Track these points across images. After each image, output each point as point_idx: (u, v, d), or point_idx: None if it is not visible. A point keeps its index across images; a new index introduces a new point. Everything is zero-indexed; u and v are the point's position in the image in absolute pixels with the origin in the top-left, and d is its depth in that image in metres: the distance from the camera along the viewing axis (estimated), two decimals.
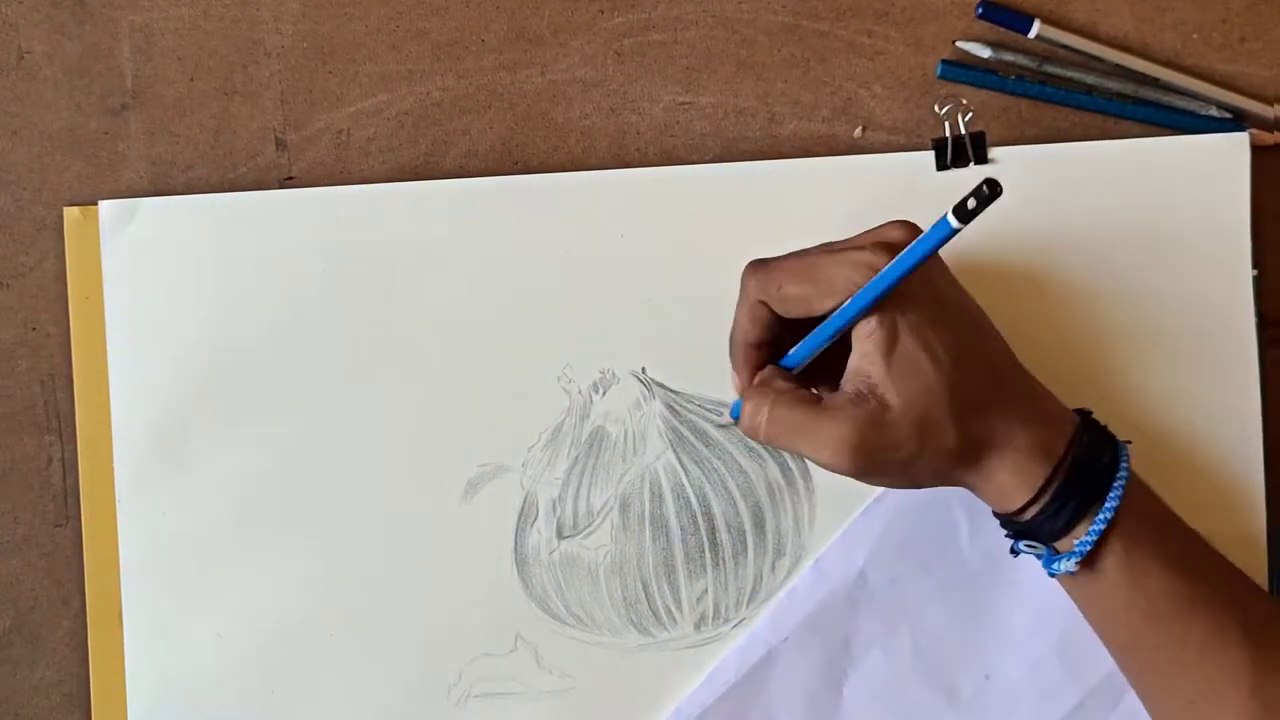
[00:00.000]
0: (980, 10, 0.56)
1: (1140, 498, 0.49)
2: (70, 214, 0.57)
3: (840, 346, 0.48)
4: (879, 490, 0.55)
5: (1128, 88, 0.57)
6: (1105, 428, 0.49)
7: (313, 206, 0.56)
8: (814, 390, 0.49)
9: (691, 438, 0.56)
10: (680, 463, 0.56)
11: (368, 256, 0.56)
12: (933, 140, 0.56)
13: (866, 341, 0.47)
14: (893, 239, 0.48)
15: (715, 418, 0.56)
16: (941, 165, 0.56)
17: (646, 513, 0.56)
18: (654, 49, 0.57)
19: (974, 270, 0.56)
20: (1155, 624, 0.48)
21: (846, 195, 0.56)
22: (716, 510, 0.56)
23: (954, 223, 0.44)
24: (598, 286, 0.56)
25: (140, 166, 0.57)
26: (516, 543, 0.56)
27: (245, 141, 0.57)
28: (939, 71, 0.57)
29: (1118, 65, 0.56)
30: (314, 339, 0.56)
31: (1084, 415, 0.49)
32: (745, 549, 0.56)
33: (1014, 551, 0.49)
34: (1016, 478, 0.47)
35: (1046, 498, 0.47)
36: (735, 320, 0.51)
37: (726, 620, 0.56)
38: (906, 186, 0.56)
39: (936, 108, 0.57)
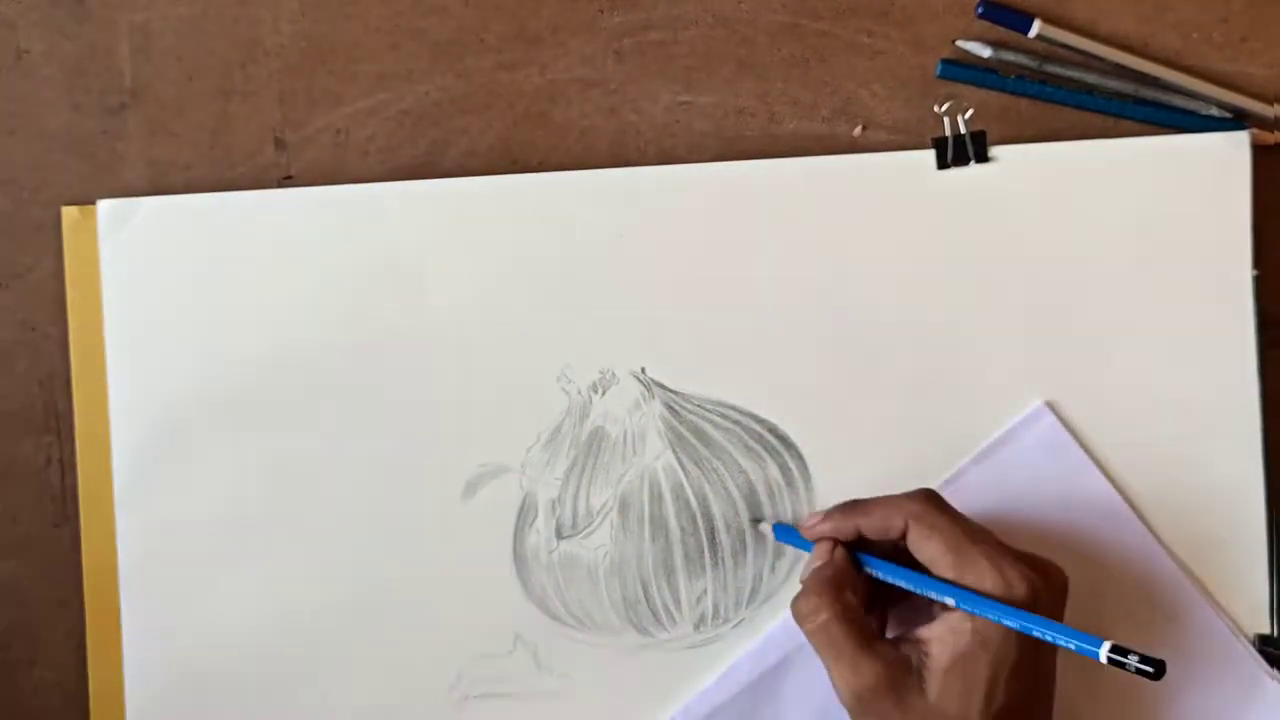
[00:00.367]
0: (980, 10, 0.56)
1: None
2: (69, 214, 0.57)
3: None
4: None
5: (1128, 87, 0.57)
6: None
7: (311, 206, 0.56)
8: (871, 610, 0.50)
9: (691, 438, 0.56)
10: (680, 463, 0.56)
11: (367, 256, 0.56)
12: (933, 139, 0.56)
13: (951, 635, 0.47)
14: (1046, 585, 0.48)
15: (716, 418, 0.56)
16: (942, 164, 0.56)
17: (646, 513, 0.56)
18: (654, 48, 0.57)
19: (974, 269, 0.56)
20: None
21: (846, 195, 0.56)
22: (716, 511, 0.56)
23: (1103, 657, 0.44)
24: (598, 286, 0.56)
25: (139, 166, 0.57)
26: (516, 543, 0.56)
27: (244, 141, 0.57)
28: (939, 71, 0.57)
29: (1118, 65, 0.56)
30: (312, 339, 0.56)
31: None
32: (745, 549, 0.56)
33: None
34: None
35: None
36: (871, 503, 0.51)
37: (726, 620, 0.56)
38: (906, 186, 0.56)
39: (936, 107, 0.57)
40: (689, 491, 0.56)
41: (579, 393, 0.56)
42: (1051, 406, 0.55)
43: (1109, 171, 0.56)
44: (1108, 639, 0.44)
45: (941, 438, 0.56)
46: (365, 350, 0.56)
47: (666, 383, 0.56)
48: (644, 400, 0.56)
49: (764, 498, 0.56)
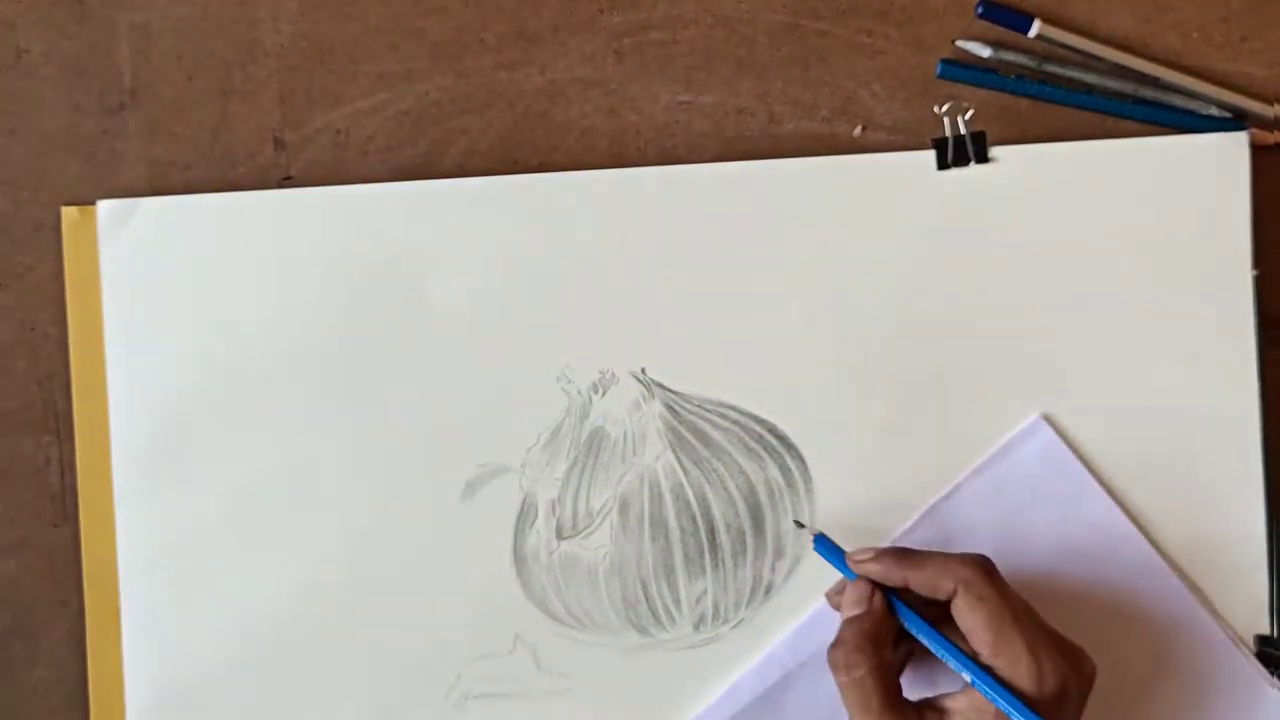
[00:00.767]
0: (980, 10, 0.56)
1: None
2: (68, 214, 0.57)
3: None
4: (908, 523, 0.55)
5: (1128, 87, 0.57)
6: None
7: (311, 206, 0.56)
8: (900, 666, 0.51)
9: (691, 438, 0.56)
10: (680, 463, 0.56)
11: (366, 256, 0.56)
12: (933, 140, 0.56)
13: (976, 713, 0.47)
14: (1076, 679, 0.48)
15: (716, 418, 0.56)
16: (942, 165, 0.56)
17: (646, 513, 0.56)
18: (654, 48, 0.57)
19: (974, 269, 0.56)
20: None
21: (846, 195, 0.56)
22: (716, 511, 0.56)
23: None
24: (597, 286, 0.56)
25: (138, 166, 0.57)
26: (516, 543, 0.56)
27: (244, 141, 0.57)
28: (939, 71, 0.57)
29: (1118, 65, 0.56)
30: (312, 339, 0.56)
31: None
32: (745, 550, 0.56)
33: None
34: None
35: None
36: (925, 558, 0.51)
37: (725, 621, 0.56)
38: (906, 186, 0.56)
39: (936, 107, 0.57)
40: (689, 492, 0.56)
41: (579, 393, 0.56)
42: (1048, 419, 0.55)
43: (1109, 171, 0.56)
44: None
45: (941, 436, 0.56)
46: (365, 350, 0.56)
47: (666, 383, 0.56)
48: (644, 400, 0.56)
49: (764, 498, 0.56)
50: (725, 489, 0.56)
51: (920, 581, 0.50)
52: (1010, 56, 0.56)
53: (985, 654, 0.48)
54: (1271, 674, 0.55)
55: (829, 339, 0.56)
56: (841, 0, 0.57)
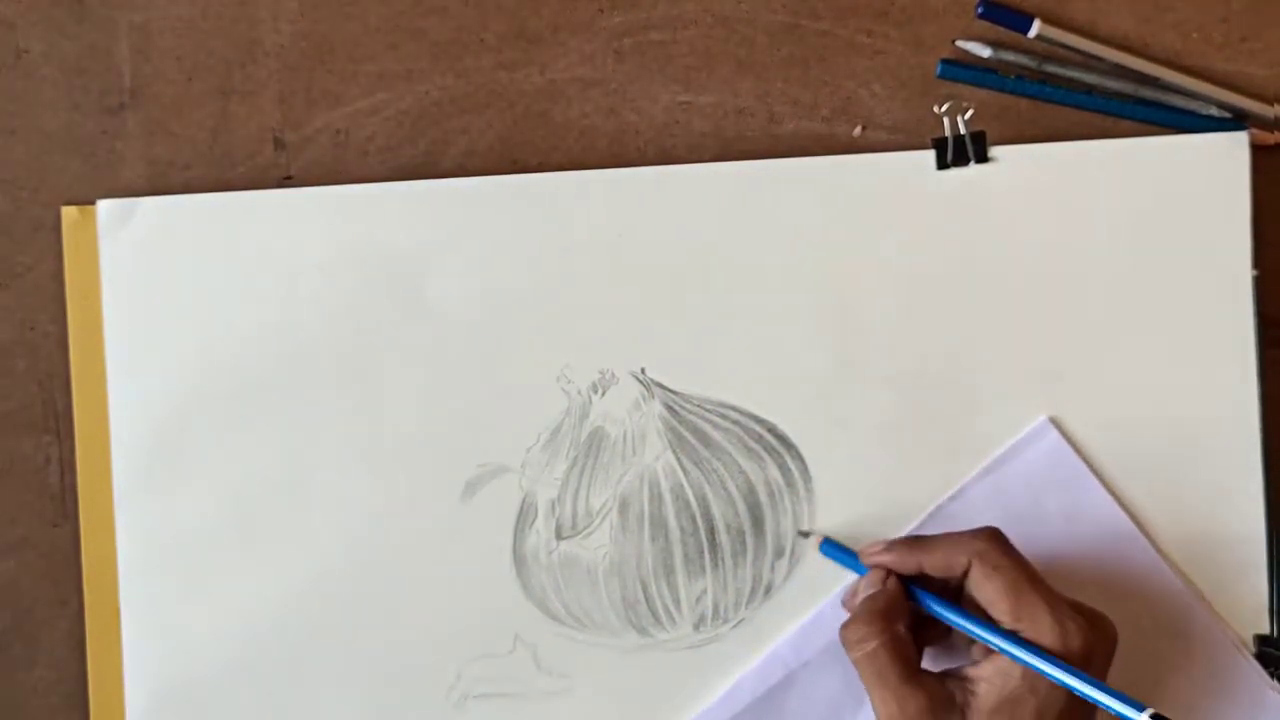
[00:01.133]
0: (980, 10, 0.56)
1: None
2: (68, 213, 0.57)
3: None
4: (913, 524, 0.55)
5: (1128, 87, 0.57)
6: None
7: (311, 206, 0.56)
8: (919, 642, 0.50)
9: (691, 438, 0.56)
10: (679, 463, 0.56)
11: (366, 256, 0.56)
12: (932, 140, 0.56)
13: (1000, 677, 0.47)
14: (1100, 639, 0.49)
15: (716, 418, 0.56)
16: (942, 164, 0.56)
17: (645, 513, 0.56)
18: (653, 48, 0.57)
19: (973, 269, 0.56)
20: None
21: (846, 195, 0.56)
22: (716, 511, 0.56)
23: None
24: (597, 286, 0.56)
25: (138, 166, 0.57)
26: (515, 543, 0.56)
27: (243, 141, 0.57)
28: (939, 71, 0.57)
29: (1118, 65, 0.56)
30: (312, 339, 0.56)
31: None
32: (744, 550, 0.56)
33: None
34: None
35: None
36: (935, 540, 0.51)
37: (725, 621, 0.56)
38: (906, 186, 0.56)
39: (936, 107, 0.57)
40: (689, 492, 0.56)
41: (579, 393, 0.56)
42: (1055, 421, 0.55)
43: (1109, 171, 0.56)
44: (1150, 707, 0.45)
45: (941, 437, 0.56)
46: (365, 350, 0.56)
47: (666, 383, 0.56)
48: (644, 400, 0.56)
49: (764, 498, 0.56)
50: (725, 489, 0.56)
51: (934, 563, 0.50)
52: (1010, 56, 0.56)
53: (1007, 621, 0.48)
54: (1271, 674, 0.55)
55: (829, 339, 0.56)
56: (841, 0, 0.57)
